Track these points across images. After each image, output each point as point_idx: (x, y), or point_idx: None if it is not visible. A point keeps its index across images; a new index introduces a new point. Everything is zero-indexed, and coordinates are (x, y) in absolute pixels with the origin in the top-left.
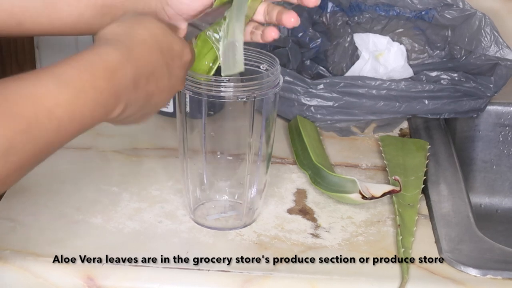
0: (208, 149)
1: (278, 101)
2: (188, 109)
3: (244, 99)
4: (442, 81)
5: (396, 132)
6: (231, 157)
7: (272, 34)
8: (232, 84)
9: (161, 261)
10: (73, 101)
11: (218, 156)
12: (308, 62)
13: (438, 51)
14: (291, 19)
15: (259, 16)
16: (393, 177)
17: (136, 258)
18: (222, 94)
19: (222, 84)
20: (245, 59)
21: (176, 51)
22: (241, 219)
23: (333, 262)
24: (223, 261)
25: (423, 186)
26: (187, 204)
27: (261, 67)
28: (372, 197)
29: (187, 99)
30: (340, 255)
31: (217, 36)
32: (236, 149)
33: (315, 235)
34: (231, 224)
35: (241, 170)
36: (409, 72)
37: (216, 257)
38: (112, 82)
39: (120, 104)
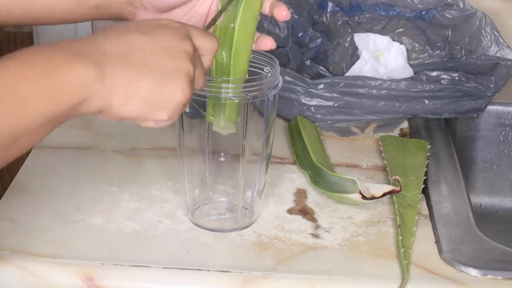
0: (207, 149)
1: (277, 102)
2: (187, 109)
3: (244, 100)
4: (442, 81)
5: (396, 132)
6: (224, 158)
7: (268, 44)
8: (232, 85)
9: (161, 261)
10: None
11: (218, 158)
12: (308, 62)
13: (438, 51)
14: (282, 13)
15: None
16: (393, 177)
17: (136, 258)
18: (222, 95)
19: (223, 85)
20: None
21: (168, 25)
22: (236, 221)
23: (333, 262)
24: (223, 261)
25: (423, 186)
26: (185, 205)
27: (264, 69)
28: (372, 197)
29: None
30: (340, 255)
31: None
32: (235, 150)
33: (315, 235)
34: (229, 226)
35: (239, 171)
36: (409, 72)
37: (216, 257)
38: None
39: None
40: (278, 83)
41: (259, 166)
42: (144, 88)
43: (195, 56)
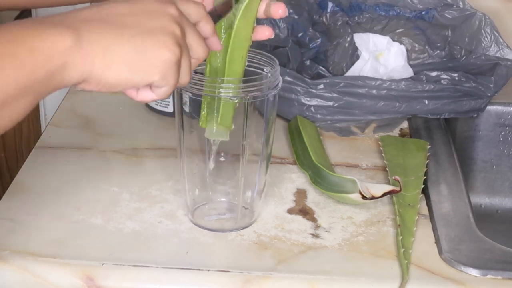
0: (207, 149)
1: (277, 102)
2: (187, 109)
3: (243, 100)
4: (442, 81)
5: (396, 132)
6: (224, 158)
7: (266, 33)
8: (231, 85)
9: (161, 261)
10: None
11: (218, 158)
12: (308, 62)
13: (438, 51)
14: (279, 11)
15: None
16: (393, 177)
17: (136, 258)
18: (222, 95)
19: (222, 85)
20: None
21: None
22: (236, 221)
23: (333, 262)
24: (223, 261)
25: (423, 186)
26: (185, 205)
27: (265, 70)
28: (372, 197)
29: (186, 100)
30: (340, 255)
31: None
32: (235, 150)
33: (315, 235)
34: (229, 226)
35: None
36: (409, 72)
37: (216, 257)
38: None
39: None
40: (278, 83)
41: (259, 166)
42: (125, 50)
43: (182, 20)
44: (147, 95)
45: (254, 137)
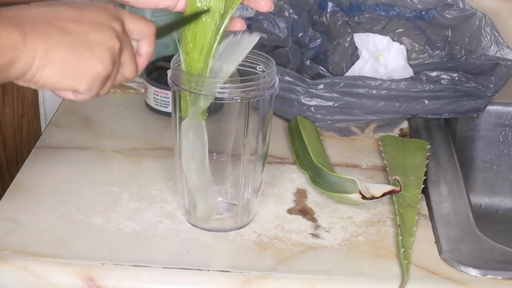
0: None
1: (274, 101)
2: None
3: (239, 100)
4: (442, 81)
5: (396, 132)
6: (225, 158)
7: (237, 24)
8: (228, 85)
9: (161, 261)
10: None
11: (214, 157)
12: (308, 62)
13: (438, 51)
14: (262, 3)
15: None
16: (393, 177)
17: (136, 258)
18: (218, 95)
19: (219, 85)
20: (242, 60)
21: (101, 5)
22: (236, 220)
23: (333, 262)
24: (223, 261)
25: (423, 186)
26: (183, 205)
27: (257, 68)
28: (372, 197)
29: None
30: (340, 255)
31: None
32: (232, 150)
33: (315, 235)
34: (226, 226)
35: (237, 171)
36: (409, 72)
37: (216, 257)
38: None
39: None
40: (274, 83)
41: (256, 164)
42: (62, 55)
43: (123, 37)
44: (65, 95)
45: (251, 137)
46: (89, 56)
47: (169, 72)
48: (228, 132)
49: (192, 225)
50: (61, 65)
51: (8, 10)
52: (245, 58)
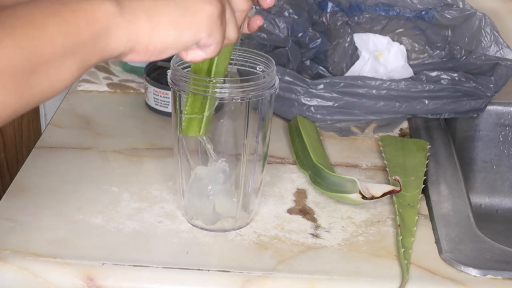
0: (204, 150)
1: (274, 101)
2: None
3: (239, 100)
4: (442, 81)
5: (396, 132)
6: (225, 158)
7: (257, 22)
8: (228, 85)
9: (161, 261)
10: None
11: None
12: (308, 62)
13: (438, 51)
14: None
15: None
16: (393, 177)
17: (136, 258)
18: (218, 95)
19: (218, 85)
20: (242, 60)
21: None
22: (236, 220)
23: (333, 262)
24: (223, 261)
25: (423, 186)
26: (182, 205)
27: (257, 68)
28: (372, 197)
29: (183, 100)
30: (340, 255)
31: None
32: (232, 150)
33: (315, 235)
34: (226, 226)
35: (237, 171)
36: (409, 72)
37: (216, 257)
38: None
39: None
40: (274, 83)
41: (256, 165)
42: (167, 10)
43: None
44: (196, 55)
45: (251, 137)
46: (194, 2)
47: (169, 72)
48: (228, 132)
49: (192, 224)
50: (170, 22)
51: None
52: (245, 58)
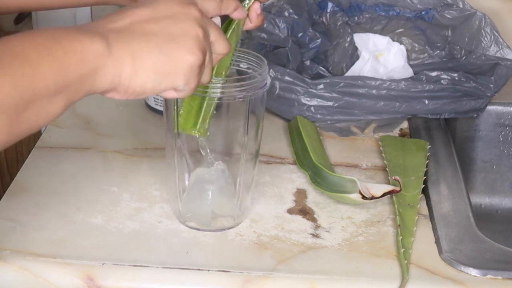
0: (195, 149)
1: (265, 99)
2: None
3: (241, 98)
4: (442, 81)
5: (396, 132)
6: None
7: (256, 11)
8: (219, 85)
9: (161, 261)
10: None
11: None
12: (308, 62)
13: (438, 51)
14: None
15: None
16: (393, 177)
17: (136, 258)
18: (210, 95)
19: (209, 84)
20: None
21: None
22: (234, 218)
23: (333, 262)
24: (223, 261)
25: (423, 186)
26: (176, 207)
27: (241, 65)
28: (372, 197)
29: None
30: (340, 255)
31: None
32: (224, 149)
33: (315, 235)
34: (220, 225)
35: (234, 171)
36: (409, 72)
37: (216, 257)
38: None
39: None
40: (266, 83)
41: (248, 162)
42: (150, 56)
43: (204, 20)
44: (169, 94)
45: (244, 134)
46: (177, 51)
47: None
48: (222, 131)
49: (187, 226)
50: (152, 69)
51: (87, 25)
52: (237, 57)
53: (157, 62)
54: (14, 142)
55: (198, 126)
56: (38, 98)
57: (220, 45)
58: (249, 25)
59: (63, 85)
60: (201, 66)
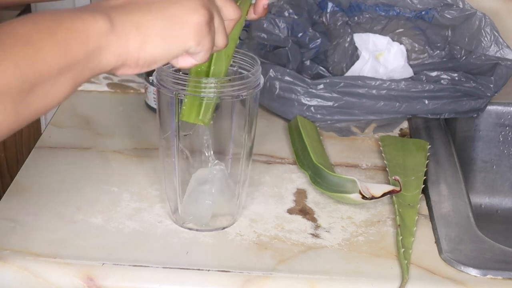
0: (190, 148)
1: (259, 98)
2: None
3: (233, 98)
4: (442, 81)
5: (396, 132)
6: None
7: (262, 2)
8: (213, 84)
9: (161, 261)
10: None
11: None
12: (308, 62)
13: (438, 51)
14: None
15: None
16: (393, 177)
17: (136, 258)
18: (203, 94)
19: (203, 84)
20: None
21: None
22: (233, 217)
23: (333, 262)
24: (223, 261)
25: (423, 186)
26: (172, 209)
27: (232, 66)
28: (372, 197)
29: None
30: (340, 255)
31: None
32: (217, 148)
33: (315, 235)
34: (219, 224)
35: (232, 170)
36: (409, 72)
37: (216, 257)
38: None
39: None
40: (259, 83)
41: (243, 160)
42: (155, 23)
43: (210, 2)
44: (187, 61)
45: (238, 133)
46: (180, 12)
47: (155, 73)
48: (217, 130)
49: (184, 228)
50: (158, 34)
51: (85, 6)
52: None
53: (163, 27)
54: (24, 125)
55: (201, 115)
56: (43, 80)
57: (229, 10)
58: (252, 15)
59: (67, 65)
60: (209, 24)
